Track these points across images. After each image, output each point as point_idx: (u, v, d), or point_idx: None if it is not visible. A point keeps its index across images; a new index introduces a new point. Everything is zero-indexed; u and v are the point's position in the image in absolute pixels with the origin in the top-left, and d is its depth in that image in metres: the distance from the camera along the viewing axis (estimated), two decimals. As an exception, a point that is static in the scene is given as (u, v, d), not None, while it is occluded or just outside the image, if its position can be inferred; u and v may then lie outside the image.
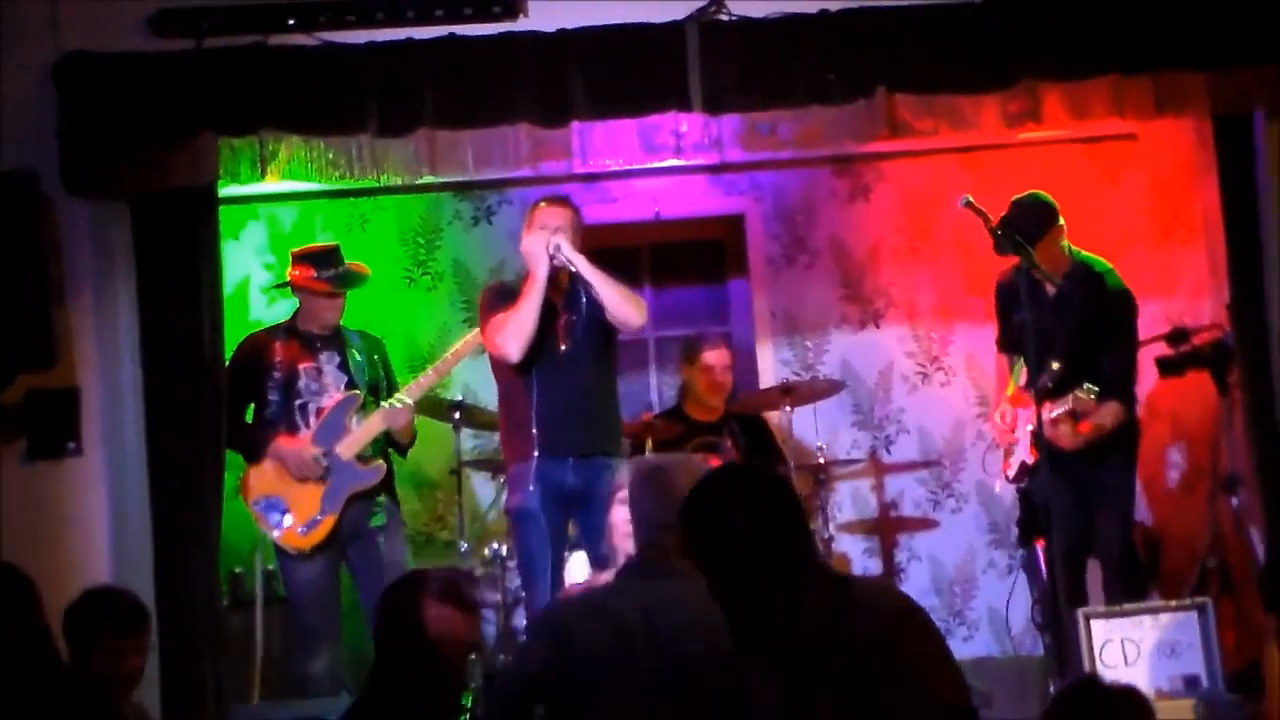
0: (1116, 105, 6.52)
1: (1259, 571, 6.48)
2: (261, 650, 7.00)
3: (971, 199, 6.27)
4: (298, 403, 6.63)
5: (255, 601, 7.05)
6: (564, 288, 6.33)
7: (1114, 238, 7.59)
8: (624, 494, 4.76)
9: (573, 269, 6.22)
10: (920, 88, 6.43)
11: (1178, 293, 7.74)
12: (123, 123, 6.25)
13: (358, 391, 6.66)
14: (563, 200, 6.44)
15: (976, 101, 6.47)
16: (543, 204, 6.39)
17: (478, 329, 6.57)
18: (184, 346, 6.44)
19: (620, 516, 4.74)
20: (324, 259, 6.82)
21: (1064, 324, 6.62)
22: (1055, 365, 6.48)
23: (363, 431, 6.60)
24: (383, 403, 6.62)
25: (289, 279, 6.84)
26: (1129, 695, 3.73)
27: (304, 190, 7.71)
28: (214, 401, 6.51)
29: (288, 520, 6.50)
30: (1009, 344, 7.00)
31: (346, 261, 6.89)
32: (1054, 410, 6.47)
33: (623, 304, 6.22)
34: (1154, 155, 8.02)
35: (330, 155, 6.40)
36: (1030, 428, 6.55)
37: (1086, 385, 6.39)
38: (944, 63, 6.41)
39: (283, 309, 7.99)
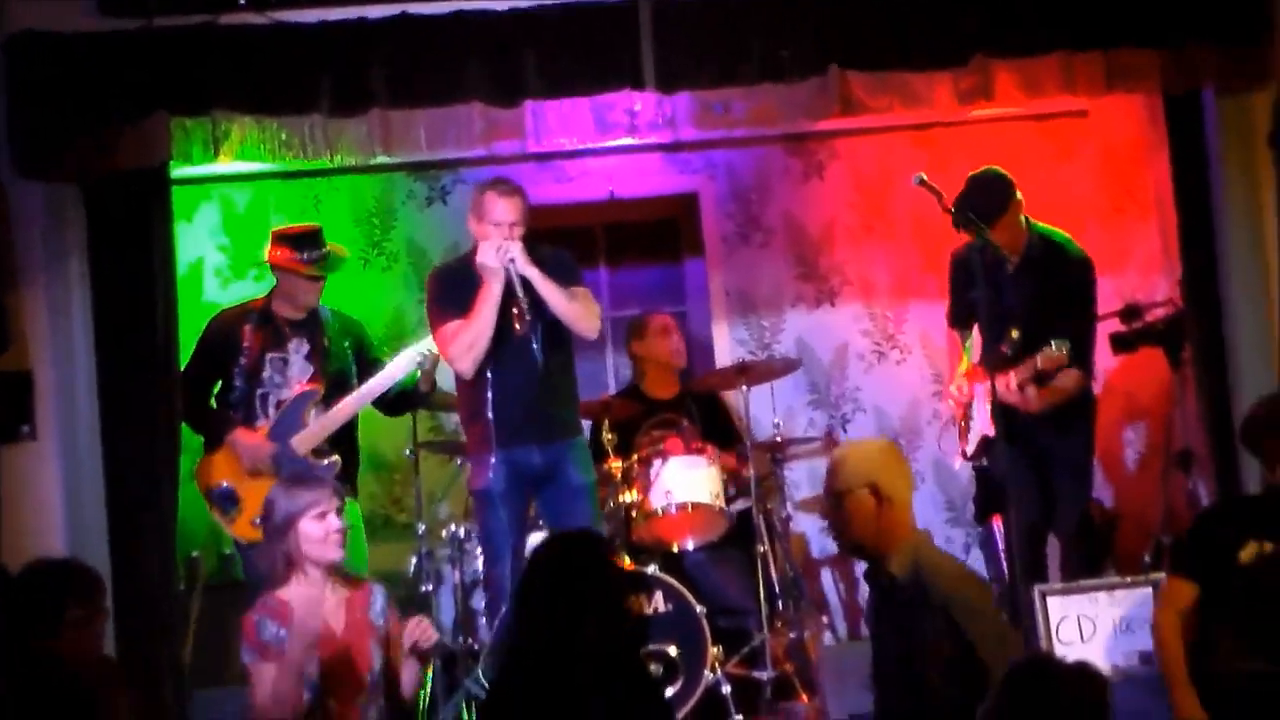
0: (1068, 82, 6.56)
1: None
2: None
3: (925, 176, 6.23)
4: (259, 391, 6.56)
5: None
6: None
7: (1066, 214, 7.58)
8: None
9: (527, 278, 5.99)
10: (873, 65, 6.46)
11: (1130, 269, 7.77)
12: (73, 103, 6.22)
13: (318, 387, 6.59)
14: (512, 190, 6.08)
15: (929, 79, 6.50)
16: (490, 193, 6.08)
17: None
18: (137, 329, 6.41)
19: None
20: (306, 240, 6.70)
21: (1023, 297, 6.62)
22: (1014, 334, 6.51)
23: (318, 427, 6.50)
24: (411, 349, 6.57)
25: (268, 259, 6.73)
26: (1083, 672, 3.71)
27: (257, 171, 7.68)
28: (168, 384, 6.47)
29: (239, 512, 6.44)
30: (960, 319, 7.02)
31: (327, 244, 6.79)
32: (1017, 376, 6.47)
33: (576, 315, 6.06)
34: (1105, 132, 8.05)
35: (283, 135, 6.37)
36: (990, 402, 6.55)
37: (1054, 341, 6.36)
38: (897, 40, 6.44)
39: (237, 292, 7.98)
